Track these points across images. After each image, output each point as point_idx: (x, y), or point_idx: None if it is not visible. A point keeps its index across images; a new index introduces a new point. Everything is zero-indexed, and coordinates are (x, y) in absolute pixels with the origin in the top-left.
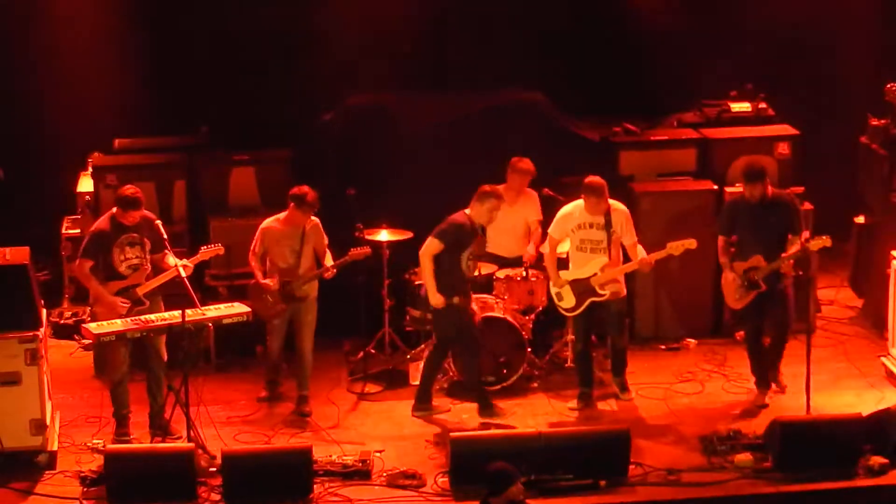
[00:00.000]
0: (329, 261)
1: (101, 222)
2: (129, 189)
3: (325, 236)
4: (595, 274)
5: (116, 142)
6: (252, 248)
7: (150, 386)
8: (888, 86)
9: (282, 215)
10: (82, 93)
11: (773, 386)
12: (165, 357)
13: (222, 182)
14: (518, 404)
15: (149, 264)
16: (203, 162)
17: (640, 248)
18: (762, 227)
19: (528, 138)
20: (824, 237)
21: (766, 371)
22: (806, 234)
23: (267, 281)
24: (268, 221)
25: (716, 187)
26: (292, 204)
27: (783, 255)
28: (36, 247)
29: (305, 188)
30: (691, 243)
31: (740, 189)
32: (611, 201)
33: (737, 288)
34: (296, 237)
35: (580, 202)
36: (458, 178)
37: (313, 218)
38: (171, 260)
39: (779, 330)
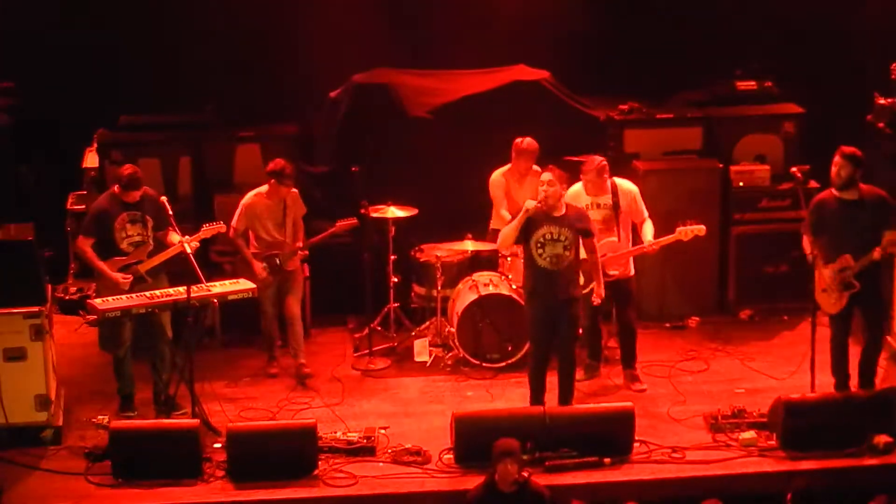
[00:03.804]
0: (301, 235)
1: (102, 200)
2: (129, 169)
3: (304, 207)
4: (603, 255)
5: (122, 118)
6: (232, 224)
7: (154, 363)
8: (894, 64)
9: (262, 189)
10: (87, 69)
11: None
12: (170, 333)
13: (227, 159)
14: (522, 382)
15: (151, 241)
16: (208, 139)
17: (649, 226)
18: (850, 226)
19: (533, 116)
20: None
21: (847, 374)
22: None
23: (258, 263)
24: (249, 197)
25: (721, 166)
26: (273, 180)
27: (874, 250)
28: (41, 223)
29: (281, 161)
30: (700, 230)
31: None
32: (619, 180)
33: (831, 292)
34: (279, 210)
35: (581, 183)
36: (464, 156)
37: (293, 189)
38: (175, 237)
39: (874, 331)
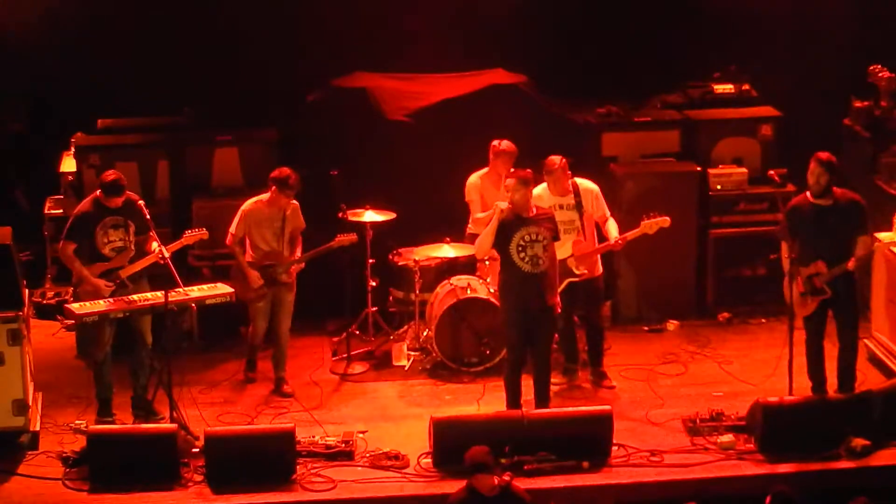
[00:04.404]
0: (298, 249)
1: (85, 204)
2: (112, 175)
3: (303, 222)
4: (571, 255)
5: (99, 122)
6: (231, 230)
7: (133, 368)
8: (871, 67)
9: (264, 197)
10: (66, 72)
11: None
12: (150, 340)
13: (205, 162)
14: (500, 385)
15: (133, 247)
16: (186, 142)
17: (613, 224)
18: (824, 231)
19: (511, 120)
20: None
21: (823, 378)
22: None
23: (254, 272)
24: (249, 203)
25: (699, 169)
26: (274, 187)
27: (850, 259)
28: (18, 227)
29: (286, 170)
30: (665, 221)
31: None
32: (579, 180)
33: (801, 295)
34: (278, 220)
35: (545, 184)
36: (442, 160)
37: (293, 201)
38: (154, 245)
39: (849, 336)
